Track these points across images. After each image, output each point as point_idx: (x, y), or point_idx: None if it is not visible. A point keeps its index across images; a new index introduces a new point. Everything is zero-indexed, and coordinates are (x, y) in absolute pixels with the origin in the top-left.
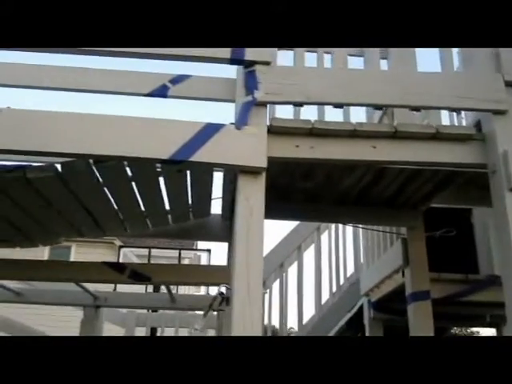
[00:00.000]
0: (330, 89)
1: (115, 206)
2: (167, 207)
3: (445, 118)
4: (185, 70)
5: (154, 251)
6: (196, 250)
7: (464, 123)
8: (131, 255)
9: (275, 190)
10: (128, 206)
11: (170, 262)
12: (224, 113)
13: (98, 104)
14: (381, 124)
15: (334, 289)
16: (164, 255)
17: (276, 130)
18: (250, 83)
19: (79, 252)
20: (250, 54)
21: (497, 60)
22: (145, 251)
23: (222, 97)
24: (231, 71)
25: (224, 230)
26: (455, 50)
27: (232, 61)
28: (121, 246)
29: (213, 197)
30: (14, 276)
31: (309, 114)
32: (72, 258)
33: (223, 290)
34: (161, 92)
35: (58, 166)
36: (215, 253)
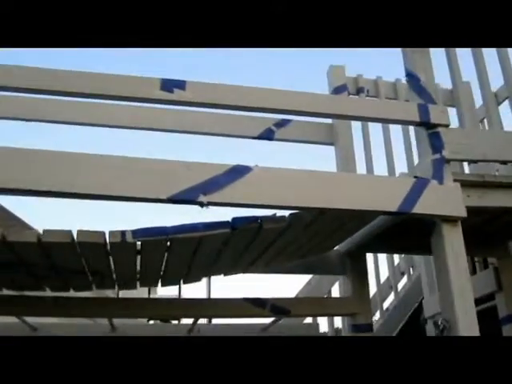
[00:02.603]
0: (497, 148)
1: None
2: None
3: None
4: None
5: None
6: None
7: None
8: None
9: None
10: (284, 245)
11: None
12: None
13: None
14: None
15: None
16: None
17: None
18: (436, 143)
19: None
20: (434, 117)
21: None
22: None
23: (321, 140)
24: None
25: (341, 264)
26: None
27: (420, 123)
28: None
29: None
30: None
31: None
32: None
33: (442, 322)
34: (267, 135)
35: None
36: None
